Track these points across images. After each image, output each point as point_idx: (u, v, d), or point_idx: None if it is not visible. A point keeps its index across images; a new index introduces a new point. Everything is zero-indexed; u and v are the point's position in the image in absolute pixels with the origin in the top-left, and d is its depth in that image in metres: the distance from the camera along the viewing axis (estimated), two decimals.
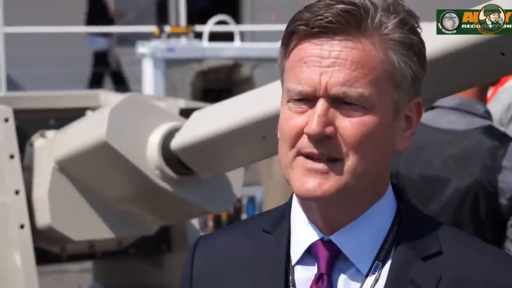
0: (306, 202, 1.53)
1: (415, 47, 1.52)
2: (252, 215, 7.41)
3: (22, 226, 3.57)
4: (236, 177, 3.53)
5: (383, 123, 1.48)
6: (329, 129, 1.46)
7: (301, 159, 1.49)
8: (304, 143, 1.48)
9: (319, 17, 1.46)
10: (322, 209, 1.52)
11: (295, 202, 1.59)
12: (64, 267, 5.98)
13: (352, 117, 1.47)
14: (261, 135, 2.84)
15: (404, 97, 1.52)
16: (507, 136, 3.07)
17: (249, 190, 6.62)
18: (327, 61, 1.46)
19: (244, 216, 7.59)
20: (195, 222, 4.10)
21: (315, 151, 1.47)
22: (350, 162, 1.47)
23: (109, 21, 14.00)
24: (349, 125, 1.46)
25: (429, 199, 3.10)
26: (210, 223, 7.46)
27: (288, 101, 1.51)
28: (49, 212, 3.54)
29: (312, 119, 1.46)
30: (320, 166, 1.47)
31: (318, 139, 1.46)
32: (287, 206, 1.61)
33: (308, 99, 1.48)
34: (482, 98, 3.17)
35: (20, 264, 3.56)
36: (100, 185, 3.51)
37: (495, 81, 3.34)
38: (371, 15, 1.48)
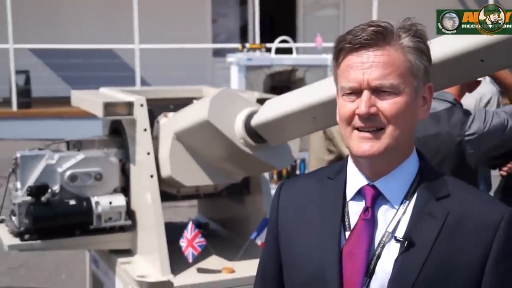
0: (361, 160, 1.54)
1: (424, 50, 1.52)
2: (304, 170, 7.38)
3: (151, 176, 3.60)
4: (294, 144, 3.51)
5: (408, 102, 1.50)
6: (373, 109, 1.48)
7: (355, 132, 1.51)
8: (357, 120, 1.50)
9: (358, 37, 1.48)
10: (370, 164, 1.53)
11: (350, 159, 1.60)
12: (179, 204, 6.03)
13: (387, 99, 1.48)
14: (312, 116, 2.81)
15: (420, 83, 1.53)
16: (468, 111, 3.10)
17: (301, 154, 6.60)
18: (366, 65, 1.48)
19: (297, 172, 7.55)
20: (266, 174, 4.09)
21: (365, 124, 1.49)
22: (390, 129, 1.48)
23: None
24: (386, 105, 1.48)
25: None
26: (274, 176, 7.45)
27: (342, 95, 1.53)
28: (170, 167, 3.56)
29: (360, 104, 1.48)
30: (369, 134, 1.49)
31: (366, 117, 1.48)
32: (344, 162, 1.63)
33: (355, 92, 1.50)
34: (454, 90, 3.15)
35: (151, 201, 3.60)
36: (204, 149, 3.52)
37: (479, 81, 3.25)
38: (392, 32, 1.50)
